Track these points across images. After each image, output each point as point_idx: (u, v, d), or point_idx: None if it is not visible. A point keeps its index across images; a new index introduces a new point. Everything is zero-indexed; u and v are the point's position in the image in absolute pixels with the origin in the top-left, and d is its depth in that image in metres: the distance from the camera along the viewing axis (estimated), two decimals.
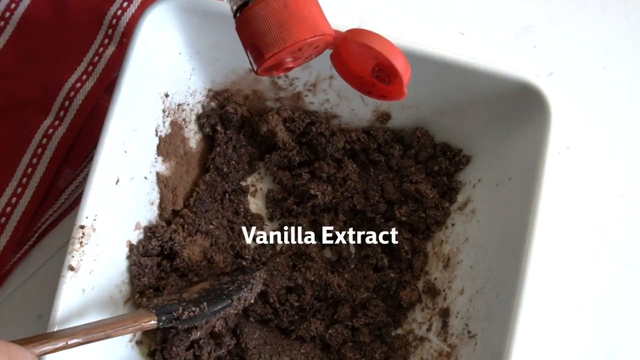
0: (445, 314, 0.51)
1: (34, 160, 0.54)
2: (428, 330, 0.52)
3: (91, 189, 0.43)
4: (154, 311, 0.45)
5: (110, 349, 0.46)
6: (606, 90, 0.60)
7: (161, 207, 0.51)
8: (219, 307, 0.48)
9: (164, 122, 0.50)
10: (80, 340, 0.40)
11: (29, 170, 0.54)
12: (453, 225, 0.54)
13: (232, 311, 0.49)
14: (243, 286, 0.49)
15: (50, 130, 0.55)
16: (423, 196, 0.54)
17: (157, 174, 0.51)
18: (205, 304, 0.47)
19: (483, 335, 0.47)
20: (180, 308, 0.46)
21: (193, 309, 0.46)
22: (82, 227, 0.43)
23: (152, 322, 0.44)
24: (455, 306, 0.50)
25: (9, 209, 0.53)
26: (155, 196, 0.51)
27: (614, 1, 0.62)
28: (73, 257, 0.43)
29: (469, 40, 0.61)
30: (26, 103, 0.55)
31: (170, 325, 0.45)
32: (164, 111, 0.50)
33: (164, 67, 0.49)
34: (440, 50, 0.46)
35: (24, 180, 0.54)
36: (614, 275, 0.57)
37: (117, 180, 0.46)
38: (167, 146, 0.51)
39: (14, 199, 0.53)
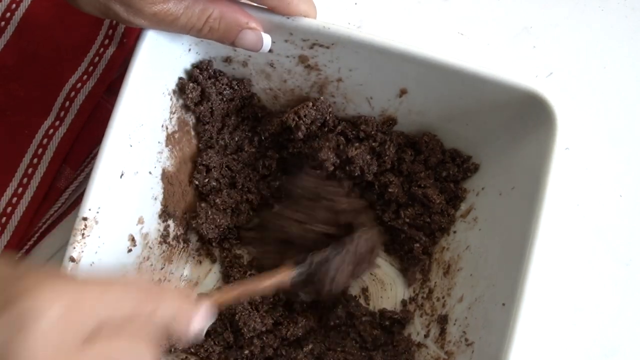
0: (443, 320, 0.50)
1: (35, 161, 0.54)
2: (426, 336, 0.52)
3: (95, 181, 0.43)
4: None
5: None
6: (606, 90, 0.60)
7: (164, 202, 0.51)
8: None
9: (170, 119, 0.50)
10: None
11: (30, 170, 0.54)
12: (455, 232, 0.53)
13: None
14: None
15: (51, 131, 0.55)
16: (430, 201, 0.53)
17: (162, 169, 0.51)
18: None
19: (480, 344, 0.46)
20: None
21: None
22: (85, 218, 0.43)
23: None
24: (454, 313, 0.50)
25: (9, 209, 0.53)
26: (159, 191, 0.51)
27: (614, 2, 0.63)
28: (74, 248, 0.42)
29: (468, 41, 0.61)
30: (27, 103, 0.55)
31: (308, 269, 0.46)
32: (171, 107, 0.50)
33: (172, 63, 0.49)
34: (445, 56, 0.45)
35: (25, 180, 0.54)
36: (614, 276, 0.57)
37: (122, 174, 0.46)
38: (173, 142, 0.51)
39: (14, 199, 0.53)
